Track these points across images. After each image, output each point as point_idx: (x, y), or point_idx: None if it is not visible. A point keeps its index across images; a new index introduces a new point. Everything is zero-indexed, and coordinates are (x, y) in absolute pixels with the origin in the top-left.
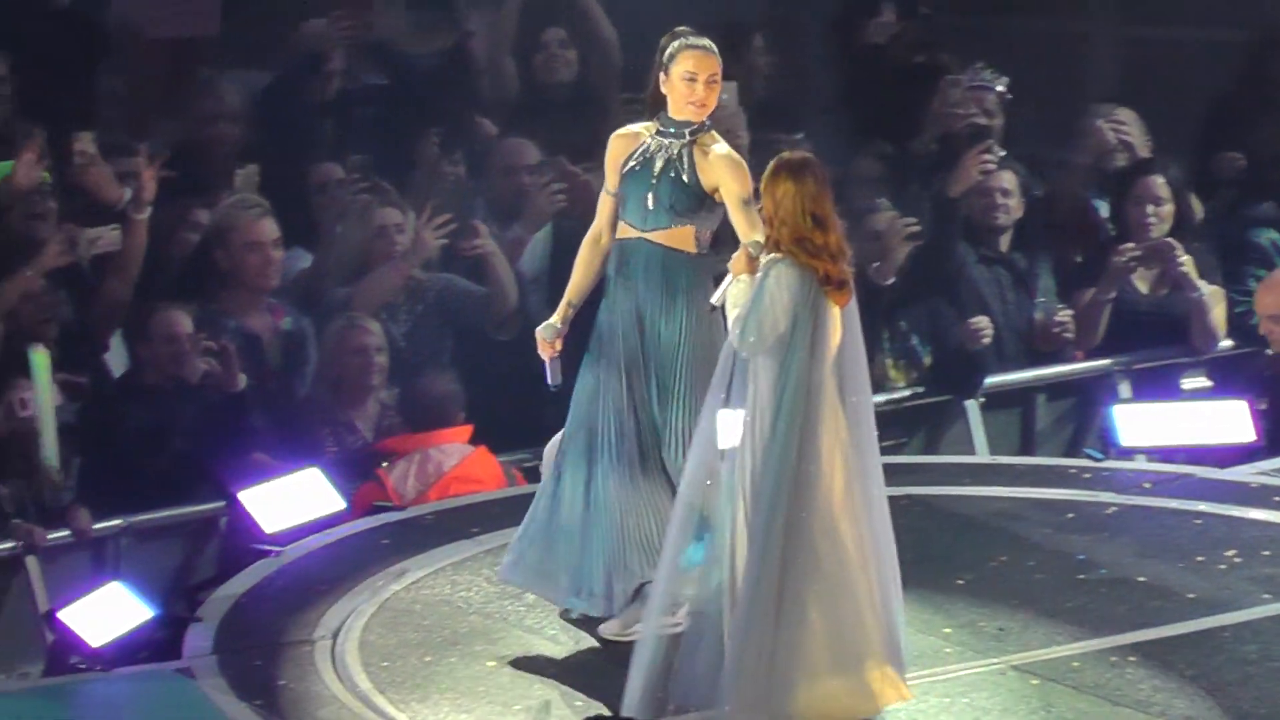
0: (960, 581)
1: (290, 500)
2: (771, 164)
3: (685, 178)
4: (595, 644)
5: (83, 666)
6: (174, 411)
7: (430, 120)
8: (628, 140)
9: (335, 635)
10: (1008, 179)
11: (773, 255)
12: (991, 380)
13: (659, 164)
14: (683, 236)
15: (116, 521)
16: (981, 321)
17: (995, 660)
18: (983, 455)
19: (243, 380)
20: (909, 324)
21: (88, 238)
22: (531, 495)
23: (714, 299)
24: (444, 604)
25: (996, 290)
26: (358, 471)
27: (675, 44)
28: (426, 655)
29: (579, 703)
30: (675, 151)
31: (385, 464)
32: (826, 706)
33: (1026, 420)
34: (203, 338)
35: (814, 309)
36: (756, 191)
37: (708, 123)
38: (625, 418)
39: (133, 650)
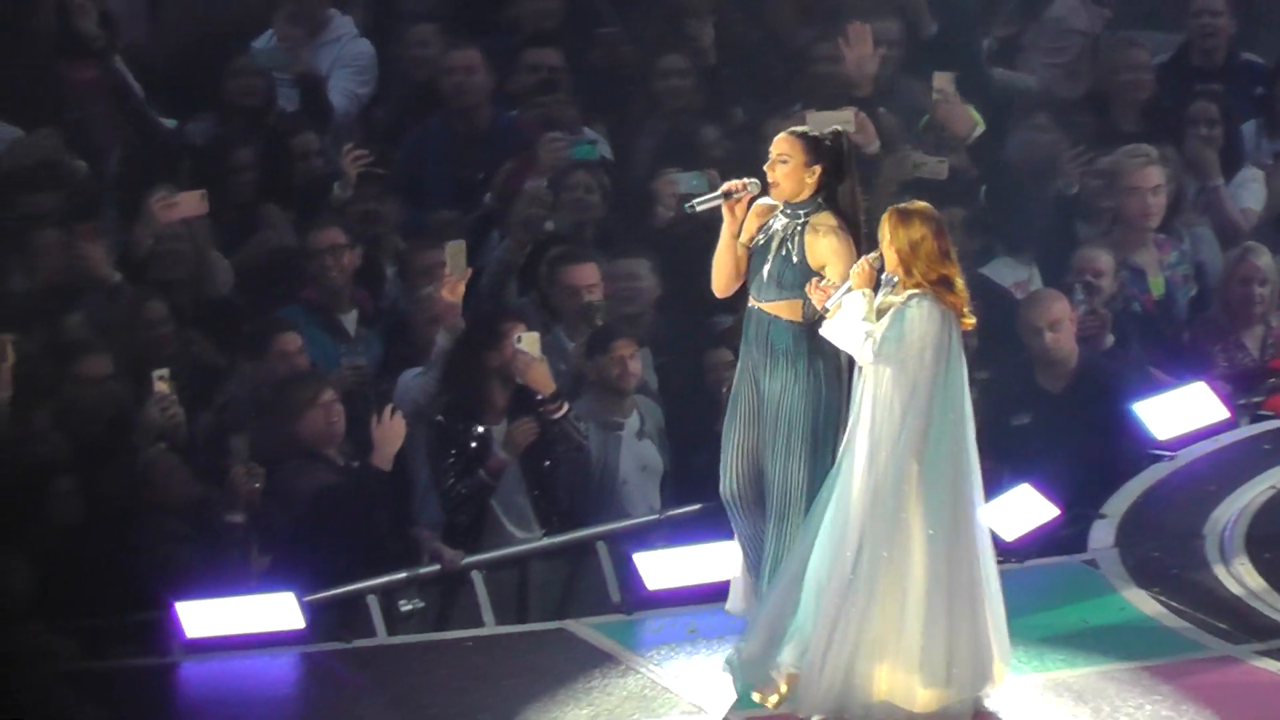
0: None
1: (1180, 410)
2: (898, 208)
3: (794, 257)
4: None
5: (999, 560)
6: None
7: None
8: (763, 213)
9: (1223, 530)
10: None
11: (913, 291)
12: None
13: (776, 241)
14: (790, 308)
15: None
16: None
17: None
18: None
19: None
20: None
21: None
22: None
23: (828, 304)
24: None
25: None
26: (1243, 386)
27: None
28: None
29: None
30: (789, 231)
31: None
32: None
33: None
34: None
35: (952, 340)
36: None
37: (822, 202)
38: (738, 459)
39: (1043, 543)
